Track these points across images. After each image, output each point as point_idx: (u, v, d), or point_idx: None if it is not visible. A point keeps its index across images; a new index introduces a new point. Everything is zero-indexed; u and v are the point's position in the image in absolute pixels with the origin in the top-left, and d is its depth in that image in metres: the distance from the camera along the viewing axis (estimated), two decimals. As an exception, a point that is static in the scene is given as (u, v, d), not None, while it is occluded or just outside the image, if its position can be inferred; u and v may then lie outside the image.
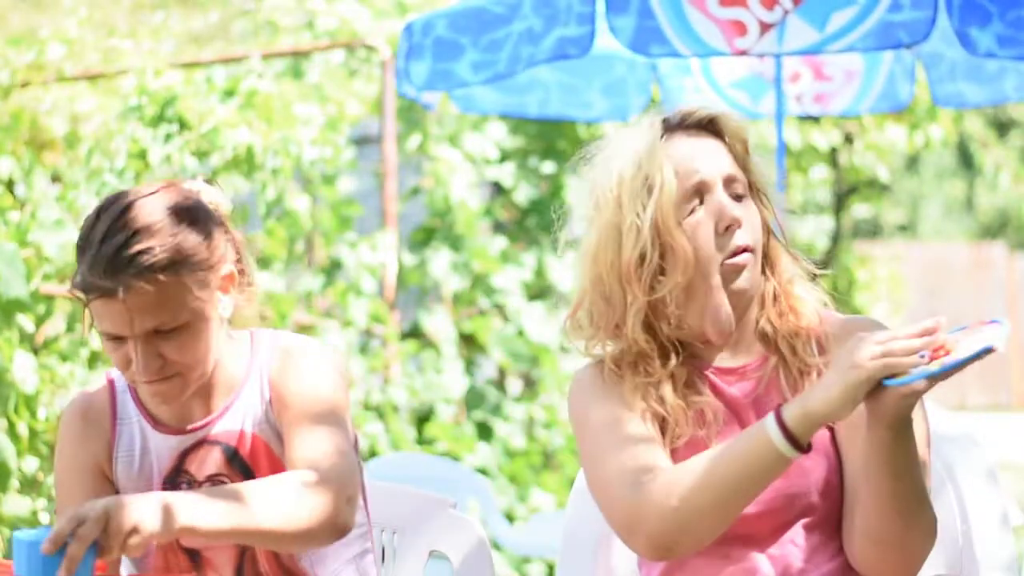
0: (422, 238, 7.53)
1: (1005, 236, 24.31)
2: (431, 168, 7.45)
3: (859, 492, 2.37)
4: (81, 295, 2.48)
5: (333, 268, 6.93)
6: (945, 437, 2.90)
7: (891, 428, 2.23)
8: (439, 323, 7.39)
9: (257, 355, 2.63)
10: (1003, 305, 18.90)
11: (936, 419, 2.92)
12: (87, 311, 2.51)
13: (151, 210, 2.48)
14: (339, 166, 6.54)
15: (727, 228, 2.43)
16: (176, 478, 2.61)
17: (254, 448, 2.59)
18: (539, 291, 7.87)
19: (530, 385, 7.94)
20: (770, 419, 2.25)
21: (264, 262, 6.08)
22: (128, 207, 2.47)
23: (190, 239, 2.48)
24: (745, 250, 2.43)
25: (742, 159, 2.49)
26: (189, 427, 2.61)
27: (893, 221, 24.64)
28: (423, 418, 7.08)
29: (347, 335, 6.69)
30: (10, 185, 5.46)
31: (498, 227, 8.14)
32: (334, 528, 2.42)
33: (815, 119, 9.83)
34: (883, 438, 2.24)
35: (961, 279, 18.90)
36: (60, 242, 4.57)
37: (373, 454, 6.50)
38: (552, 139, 8.08)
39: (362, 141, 8.09)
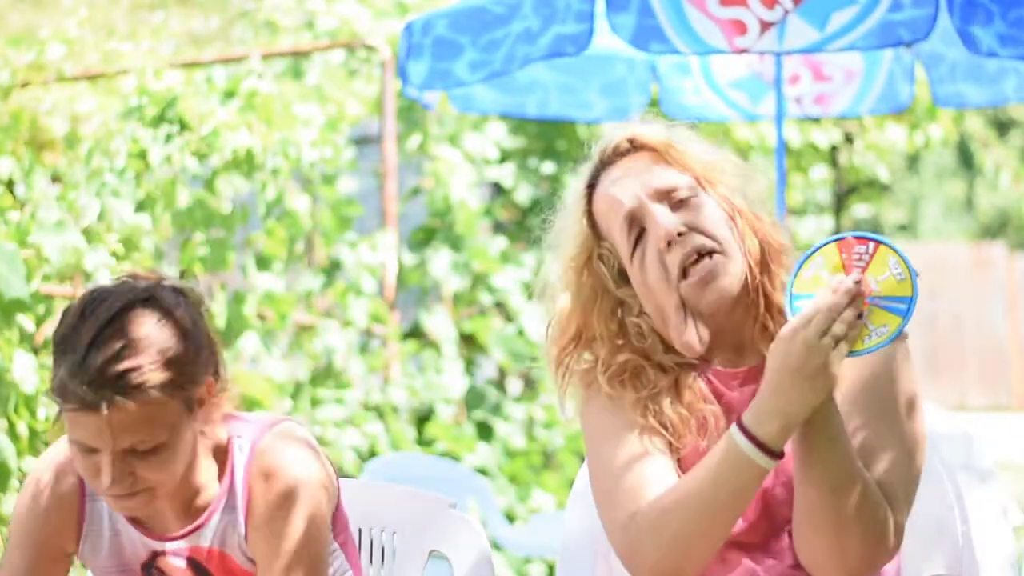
0: (422, 238, 7.53)
1: (1005, 236, 24.32)
2: (431, 168, 7.45)
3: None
4: (57, 400, 2.34)
5: (333, 268, 6.93)
6: (945, 437, 2.89)
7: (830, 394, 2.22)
8: (439, 323, 7.39)
9: (234, 471, 2.50)
10: (1003, 305, 18.89)
11: (936, 419, 2.92)
12: (60, 414, 2.37)
13: (142, 320, 2.35)
14: (339, 166, 6.54)
15: (668, 244, 2.36)
16: (150, 569, 2.54)
17: (225, 566, 2.51)
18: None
19: (530, 385, 7.94)
20: (740, 436, 2.22)
21: (264, 262, 6.08)
22: (118, 314, 2.34)
23: (179, 357, 2.36)
24: (699, 254, 2.36)
25: (679, 160, 2.42)
26: (157, 532, 2.52)
27: (893, 221, 24.64)
28: (423, 418, 7.08)
29: (347, 335, 6.69)
30: (10, 185, 5.46)
31: (498, 227, 8.14)
32: None
33: (815, 119, 9.83)
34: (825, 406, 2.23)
35: (961, 279, 18.89)
36: (60, 242, 4.57)
37: (373, 454, 6.50)
38: (552, 139, 8.08)
39: (362, 141, 8.09)
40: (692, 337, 2.38)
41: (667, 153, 2.42)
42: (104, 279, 4.67)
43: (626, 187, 2.40)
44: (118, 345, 2.31)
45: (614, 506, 2.36)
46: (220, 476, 2.49)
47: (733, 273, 2.38)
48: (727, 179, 2.43)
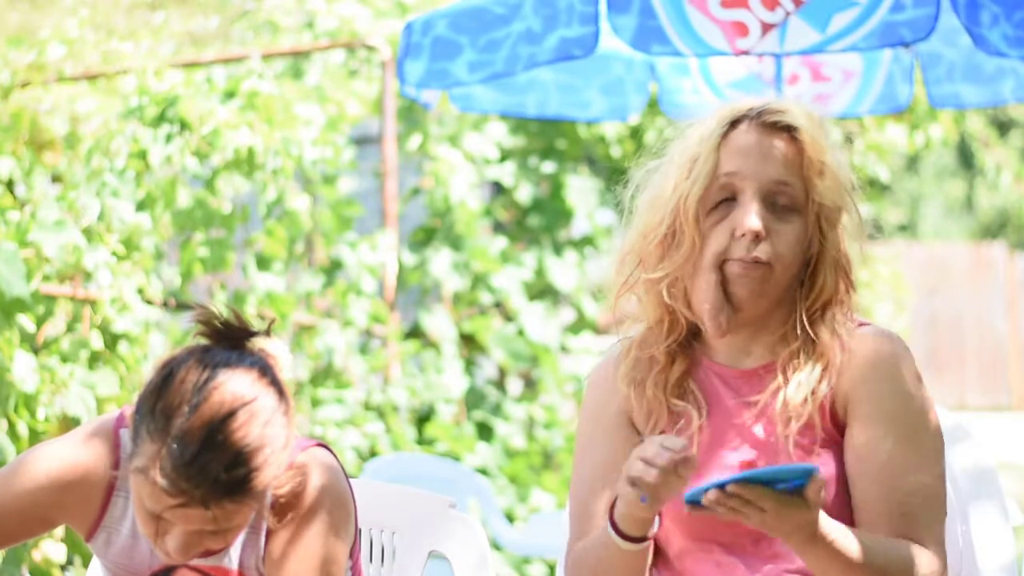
0: (422, 238, 7.53)
1: (1005, 236, 24.30)
2: (431, 168, 7.45)
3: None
4: (149, 480, 2.22)
5: (333, 268, 6.93)
6: (945, 437, 2.89)
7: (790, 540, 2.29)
8: (439, 323, 7.39)
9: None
10: (1003, 305, 18.89)
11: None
12: (138, 482, 2.25)
13: (257, 420, 2.24)
14: (339, 166, 6.54)
15: (743, 235, 2.39)
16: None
17: None
18: (539, 291, 7.87)
19: (530, 385, 7.94)
20: (611, 532, 2.37)
21: (264, 262, 6.08)
22: (234, 413, 2.22)
23: (281, 449, 2.28)
24: (756, 261, 2.39)
25: (808, 173, 2.42)
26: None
27: (893, 221, 24.63)
28: (423, 418, 7.08)
29: (347, 335, 6.69)
30: (10, 185, 5.46)
31: (498, 227, 8.13)
32: None
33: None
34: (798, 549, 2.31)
35: (961, 279, 18.89)
36: (60, 242, 4.57)
37: (373, 454, 6.50)
38: (552, 139, 8.08)
39: (362, 141, 8.08)
40: (722, 321, 2.42)
41: (812, 161, 2.42)
42: (104, 279, 4.68)
43: (753, 160, 2.41)
44: (235, 450, 2.21)
45: (572, 521, 2.55)
46: None
47: (766, 294, 2.42)
48: (833, 217, 2.44)
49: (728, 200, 2.42)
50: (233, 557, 2.45)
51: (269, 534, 2.43)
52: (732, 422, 2.45)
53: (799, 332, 2.43)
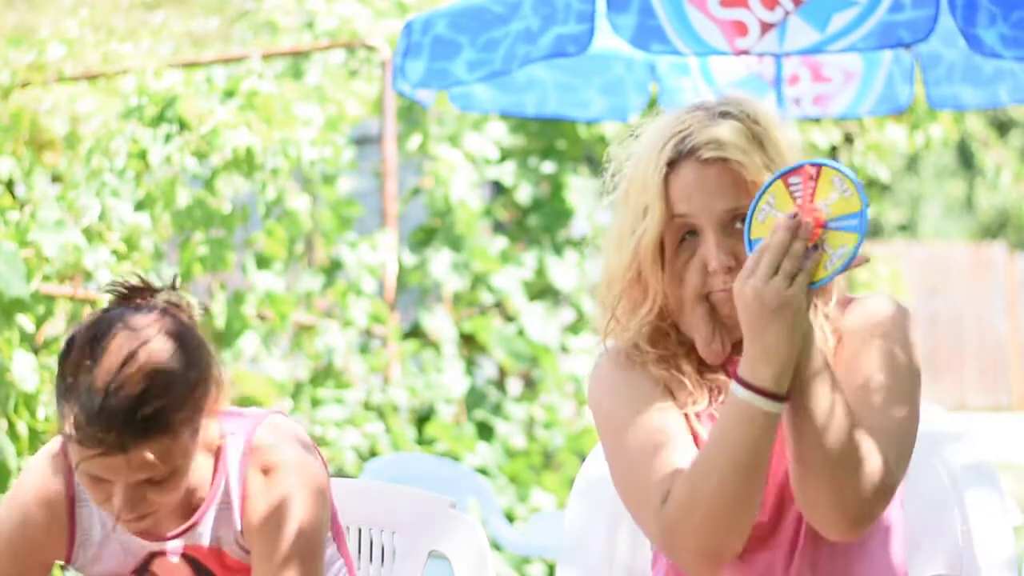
0: (422, 238, 7.53)
1: (1005, 236, 24.32)
2: (431, 168, 7.45)
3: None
4: (74, 443, 2.31)
5: (333, 268, 6.93)
6: (945, 437, 2.90)
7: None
8: (439, 323, 7.39)
9: (227, 466, 2.49)
10: (1003, 305, 18.90)
11: (936, 419, 2.93)
12: (67, 446, 2.35)
13: (155, 356, 2.33)
14: (339, 166, 6.54)
15: (714, 271, 2.38)
16: (144, 573, 2.54)
17: (222, 563, 2.52)
18: (539, 291, 7.87)
19: (530, 385, 7.94)
20: (740, 390, 2.25)
21: (264, 262, 6.08)
22: (131, 357, 2.31)
23: (194, 388, 2.36)
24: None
25: (756, 183, 2.38)
26: (153, 535, 2.50)
27: (893, 221, 24.64)
28: (423, 418, 7.08)
29: (347, 335, 6.69)
30: (10, 185, 5.46)
31: (498, 227, 8.14)
32: None
33: (815, 119, 9.84)
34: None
35: (961, 279, 18.89)
36: (60, 242, 4.57)
37: (373, 454, 6.50)
38: (552, 139, 8.08)
39: (362, 141, 8.09)
40: (717, 349, 2.42)
41: (751, 185, 2.39)
42: (104, 278, 4.68)
43: (700, 198, 2.39)
44: (138, 389, 2.29)
45: (642, 494, 2.37)
46: (213, 473, 2.49)
47: None
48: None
49: (692, 233, 2.41)
50: (205, 534, 2.49)
51: (243, 506, 2.47)
52: None
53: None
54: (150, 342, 2.33)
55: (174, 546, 2.50)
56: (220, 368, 2.44)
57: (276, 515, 2.44)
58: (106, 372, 2.29)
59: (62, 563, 2.57)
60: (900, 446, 2.34)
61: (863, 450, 2.28)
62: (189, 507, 2.49)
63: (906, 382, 2.39)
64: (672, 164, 2.41)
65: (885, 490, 2.31)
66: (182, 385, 2.34)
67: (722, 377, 2.45)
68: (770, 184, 2.28)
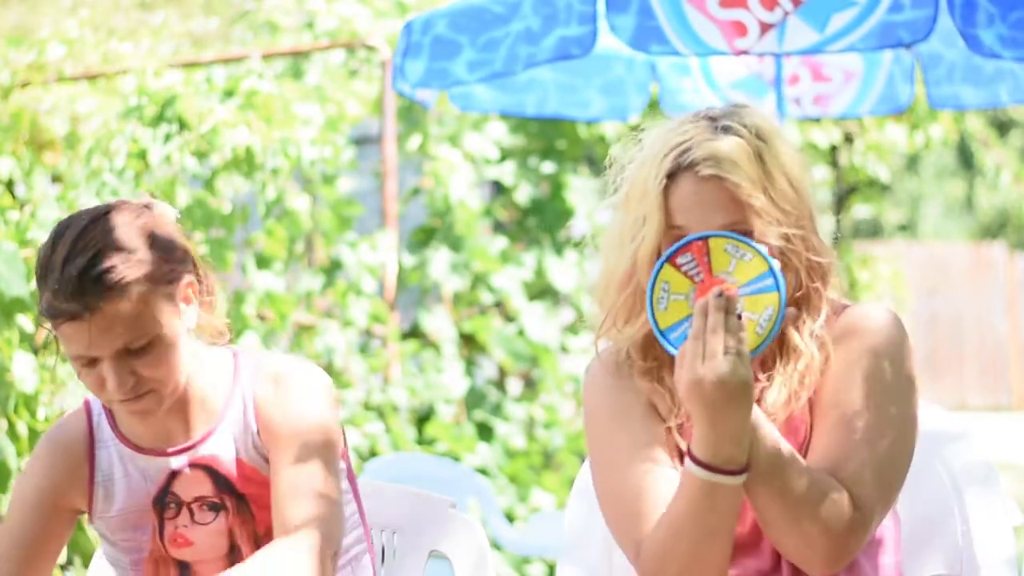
0: (422, 238, 7.53)
1: (1005, 236, 24.31)
2: (431, 168, 7.44)
3: None
4: (48, 322, 2.46)
5: (333, 268, 6.93)
6: (945, 437, 2.89)
7: None
8: (439, 323, 7.39)
9: (241, 378, 2.60)
10: (1003, 305, 18.89)
11: (936, 419, 2.93)
12: (56, 339, 2.50)
13: (109, 228, 2.46)
14: (339, 166, 6.54)
15: None
16: (164, 499, 2.59)
17: (241, 472, 2.57)
18: (539, 291, 7.87)
19: (530, 385, 7.94)
20: (699, 471, 2.26)
21: (264, 262, 6.08)
22: (85, 228, 2.45)
23: (151, 254, 2.47)
24: None
25: (756, 209, 2.39)
26: (171, 449, 2.58)
27: (893, 221, 24.63)
28: (423, 418, 7.08)
29: (347, 335, 6.69)
30: (10, 185, 5.46)
31: (498, 227, 8.14)
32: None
33: (815, 119, 9.84)
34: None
35: (961, 279, 18.89)
36: (60, 242, 4.57)
37: (373, 454, 6.50)
38: (552, 139, 8.08)
39: (362, 141, 8.09)
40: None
41: (746, 204, 2.39)
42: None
43: (696, 213, 2.40)
44: (91, 253, 2.42)
45: (622, 533, 2.43)
46: (229, 386, 2.59)
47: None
48: (790, 231, 2.41)
49: None
50: (221, 443, 2.57)
51: (258, 413, 2.56)
52: None
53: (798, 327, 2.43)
54: (109, 220, 2.48)
55: (195, 456, 2.57)
56: (194, 261, 2.56)
57: (290, 414, 2.53)
58: (63, 249, 2.43)
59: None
60: (881, 477, 2.35)
61: (825, 495, 2.30)
62: (207, 416, 2.58)
63: (895, 403, 2.38)
64: (672, 176, 2.42)
65: (856, 527, 2.32)
66: (138, 253, 2.45)
67: None
68: (659, 270, 2.28)
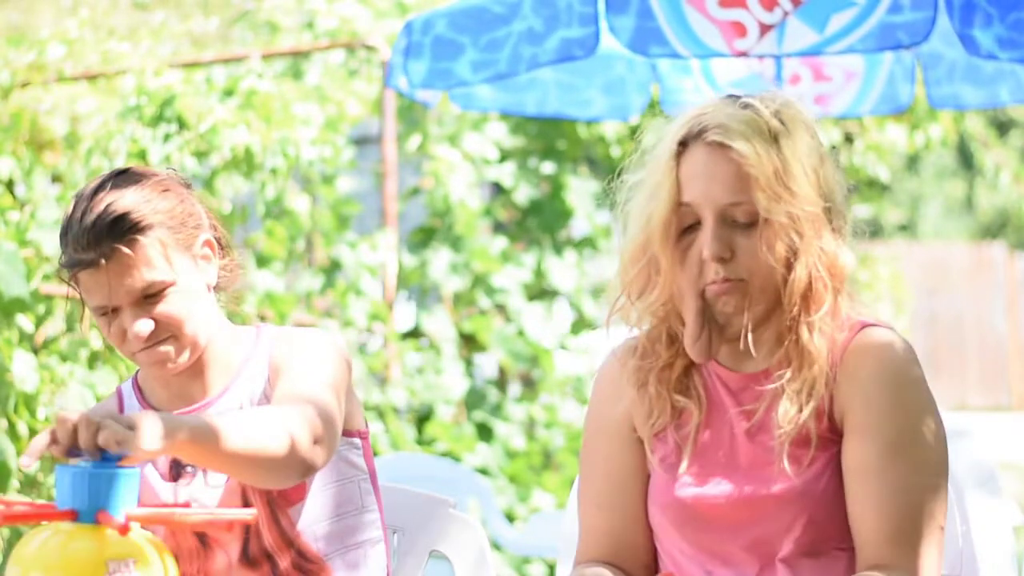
0: (422, 238, 7.53)
1: (1005, 236, 24.32)
2: (431, 168, 7.45)
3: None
4: (68, 277, 2.54)
5: (333, 268, 6.93)
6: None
7: None
8: (439, 323, 7.39)
9: (260, 343, 2.66)
10: (1003, 305, 18.89)
11: (936, 419, 2.92)
12: (83, 305, 2.57)
13: (123, 183, 2.54)
14: (339, 166, 6.54)
15: (708, 261, 2.37)
16: (180, 463, 2.63)
17: None
18: (539, 291, 7.87)
19: (530, 385, 7.94)
20: None
21: (264, 262, 6.08)
22: (102, 183, 2.54)
23: (164, 202, 2.55)
24: (727, 280, 2.36)
25: (755, 189, 2.35)
26: (187, 409, 2.62)
27: (893, 221, 24.64)
28: (423, 418, 7.08)
29: (347, 335, 6.69)
30: (10, 185, 5.46)
31: (498, 227, 8.14)
32: (301, 464, 2.41)
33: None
34: None
35: (961, 279, 18.89)
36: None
37: (373, 454, 6.49)
38: (552, 139, 8.08)
39: (362, 141, 8.09)
40: (703, 347, 2.40)
41: (754, 181, 2.36)
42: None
43: (702, 184, 2.38)
44: (105, 203, 2.50)
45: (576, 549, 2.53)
46: (248, 351, 2.66)
47: (751, 306, 2.38)
48: (800, 222, 2.37)
49: (696, 224, 2.39)
50: (237, 400, 2.63)
51: (272, 376, 2.62)
52: (731, 429, 2.43)
53: (788, 338, 2.40)
54: (125, 176, 2.56)
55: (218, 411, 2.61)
56: (213, 221, 2.68)
57: (296, 355, 2.59)
58: (83, 203, 2.51)
59: None
60: (933, 532, 2.34)
61: None
62: (222, 377, 2.63)
63: (922, 444, 2.36)
64: (684, 144, 2.40)
65: None
66: (152, 203, 2.53)
67: (682, 400, 2.45)
68: None
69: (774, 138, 2.37)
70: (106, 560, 1.99)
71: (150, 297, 2.51)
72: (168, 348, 2.55)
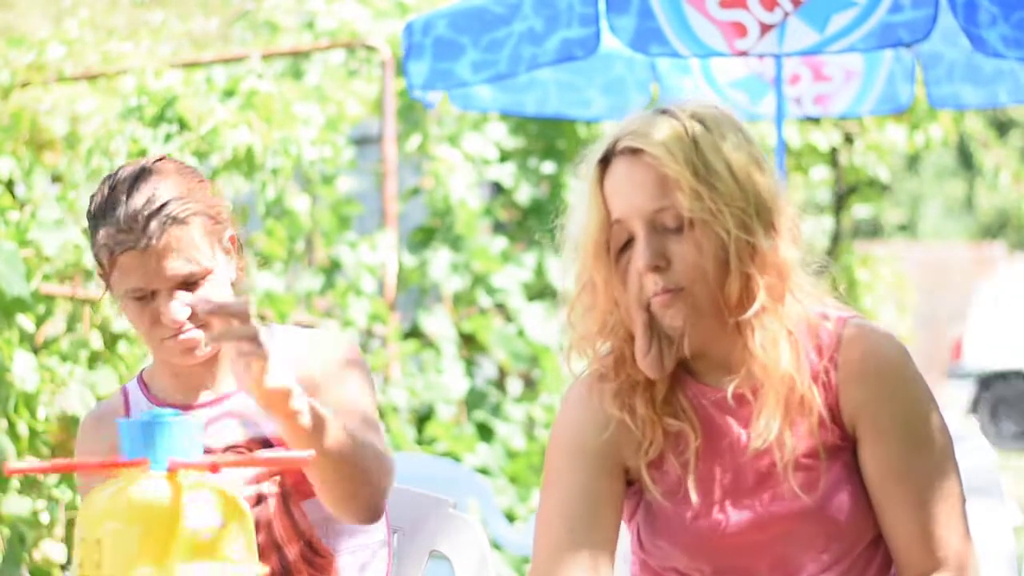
0: (422, 238, 7.53)
1: (1005, 236, 24.33)
2: (431, 168, 7.45)
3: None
4: (104, 260, 2.55)
5: (333, 268, 6.93)
6: (945, 437, 2.89)
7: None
8: (439, 323, 7.39)
9: (279, 337, 2.68)
10: (1003, 305, 18.87)
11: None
12: (106, 290, 2.59)
13: (166, 171, 2.58)
14: (339, 166, 6.54)
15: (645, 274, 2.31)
16: None
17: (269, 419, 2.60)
18: (539, 291, 7.87)
19: (530, 385, 7.94)
20: None
21: (264, 262, 6.08)
22: (142, 170, 2.57)
23: (204, 193, 2.60)
24: (667, 291, 2.29)
25: (680, 184, 2.28)
26: (198, 403, 2.65)
27: (893, 221, 24.65)
28: (423, 418, 7.08)
29: (347, 335, 6.69)
30: (10, 185, 5.46)
31: (498, 227, 8.14)
32: (376, 508, 2.51)
33: (815, 119, 9.84)
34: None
35: (961, 279, 18.90)
36: (60, 242, 4.57)
37: (373, 454, 6.49)
38: (552, 139, 8.08)
39: (362, 141, 8.09)
40: (653, 361, 2.32)
41: (672, 182, 2.30)
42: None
43: (625, 196, 2.33)
44: (152, 190, 2.54)
45: (537, 552, 2.45)
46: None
47: (699, 316, 2.31)
48: (727, 221, 2.29)
49: (632, 241, 2.34)
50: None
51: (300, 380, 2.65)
52: (731, 449, 2.36)
53: (739, 343, 2.32)
54: (162, 165, 2.60)
55: (221, 411, 2.64)
56: (230, 217, 2.67)
57: (327, 358, 2.66)
58: (124, 186, 2.55)
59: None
60: (960, 513, 2.32)
61: None
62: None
63: (936, 434, 2.32)
64: (606, 161, 2.35)
65: None
66: (195, 193, 2.57)
67: (675, 423, 2.36)
68: None
69: (692, 138, 2.30)
70: (182, 506, 2.00)
71: (188, 284, 2.55)
72: (198, 335, 2.58)
